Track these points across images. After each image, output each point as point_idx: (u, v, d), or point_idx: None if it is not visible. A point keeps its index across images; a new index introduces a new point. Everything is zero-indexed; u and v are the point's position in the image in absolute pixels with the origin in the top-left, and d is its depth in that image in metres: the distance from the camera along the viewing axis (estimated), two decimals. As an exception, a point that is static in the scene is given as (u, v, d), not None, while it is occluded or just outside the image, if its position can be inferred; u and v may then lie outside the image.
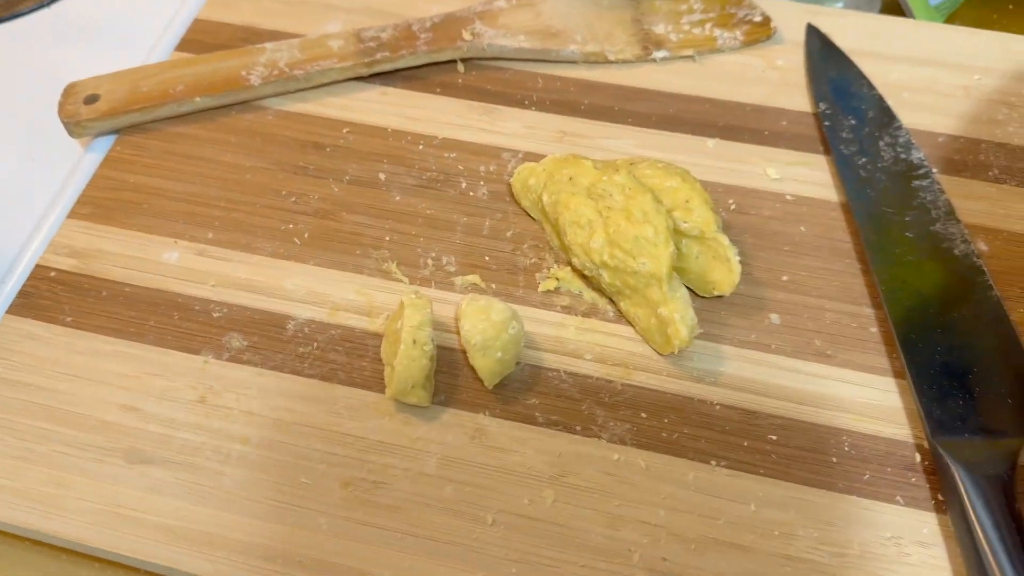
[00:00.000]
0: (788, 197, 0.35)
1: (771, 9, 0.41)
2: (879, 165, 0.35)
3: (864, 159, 0.35)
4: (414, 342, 0.30)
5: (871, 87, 0.37)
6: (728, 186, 0.36)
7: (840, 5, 0.44)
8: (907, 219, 0.33)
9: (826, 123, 0.36)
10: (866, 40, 0.40)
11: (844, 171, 0.35)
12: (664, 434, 0.30)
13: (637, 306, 0.31)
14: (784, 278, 0.33)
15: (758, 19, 0.40)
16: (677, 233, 0.32)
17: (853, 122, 0.36)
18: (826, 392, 0.31)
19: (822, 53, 0.39)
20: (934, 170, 0.35)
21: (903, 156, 0.35)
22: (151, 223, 0.35)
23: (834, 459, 0.29)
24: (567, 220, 0.32)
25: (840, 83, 0.38)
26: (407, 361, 0.30)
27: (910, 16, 0.43)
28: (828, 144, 0.36)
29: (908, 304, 0.31)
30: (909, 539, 0.28)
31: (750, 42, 0.40)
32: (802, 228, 0.34)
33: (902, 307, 0.31)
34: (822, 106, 0.37)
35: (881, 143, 0.36)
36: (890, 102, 0.37)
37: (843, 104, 0.37)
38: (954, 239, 0.33)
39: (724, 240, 0.32)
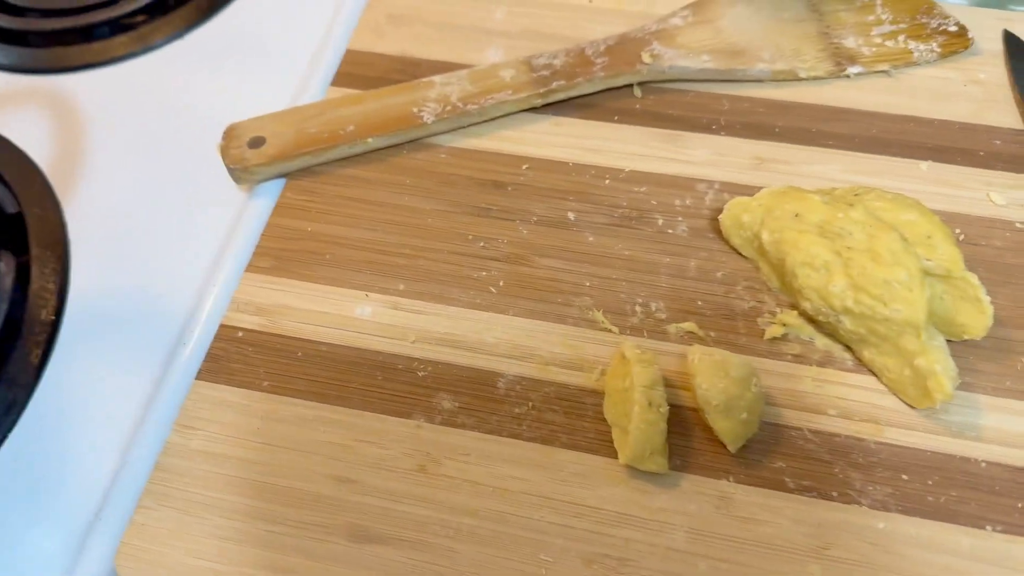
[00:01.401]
0: (1019, 225, 0.33)
1: (962, 17, 0.38)
2: None
3: None
4: (649, 404, 0.28)
5: None
6: (951, 214, 0.33)
7: (1027, 6, 0.41)
8: None
9: None
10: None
11: None
12: (930, 497, 0.27)
13: (886, 355, 0.29)
14: (1028, 316, 0.31)
15: (953, 28, 0.37)
16: (926, 274, 0.29)
17: None
18: (1101, 445, 0.28)
19: None
20: None
21: None
22: (335, 275, 0.33)
23: (1124, 522, 0.27)
24: (797, 261, 0.30)
25: None
26: (644, 425, 0.27)
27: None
28: None
29: None
30: None
31: (947, 54, 0.37)
32: (1043, 259, 0.32)
33: None
34: None
35: None
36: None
37: None
38: None
39: (973, 279, 0.29)
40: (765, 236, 0.31)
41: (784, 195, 0.31)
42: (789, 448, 0.28)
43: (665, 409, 0.28)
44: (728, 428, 0.28)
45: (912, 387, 0.28)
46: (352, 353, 0.31)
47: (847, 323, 0.29)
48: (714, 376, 0.28)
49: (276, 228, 0.34)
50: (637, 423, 0.27)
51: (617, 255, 0.33)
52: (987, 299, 0.29)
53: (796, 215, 0.30)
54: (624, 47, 0.37)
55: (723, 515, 0.27)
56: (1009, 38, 0.37)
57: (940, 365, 0.28)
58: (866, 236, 0.29)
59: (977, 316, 0.29)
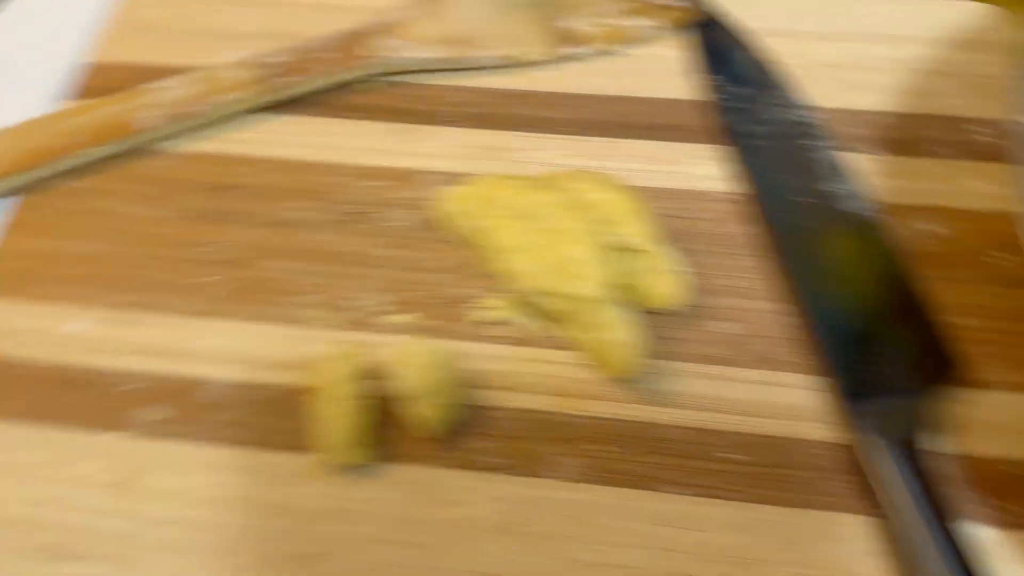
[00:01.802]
0: (721, 196, 0.34)
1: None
2: (770, 134, 0.34)
3: (753, 129, 0.35)
4: (344, 397, 0.28)
5: (765, 64, 0.36)
6: (664, 190, 0.34)
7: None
8: (798, 184, 0.33)
9: (718, 104, 0.35)
10: (783, 18, 0.38)
11: (736, 149, 0.34)
12: (622, 466, 0.28)
13: (580, 330, 0.30)
14: (728, 283, 0.32)
15: (678, 4, 0.38)
16: (614, 250, 0.30)
17: (744, 96, 0.35)
18: (782, 400, 0.29)
19: (715, 33, 0.37)
20: (823, 130, 0.34)
21: (792, 119, 0.35)
22: (56, 291, 0.32)
23: (796, 472, 0.28)
24: (498, 245, 0.30)
25: (733, 63, 0.36)
26: (336, 418, 0.28)
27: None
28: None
29: (807, 274, 0.31)
30: (887, 551, 0.27)
31: (668, 30, 0.38)
32: (739, 227, 0.33)
33: (802, 278, 0.31)
34: (714, 88, 0.36)
35: (770, 109, 0.35)
36: (817, 83, 0.36)
37: (735, 82, 0.36)
38: (845, 197, 0.32)
39: (663, 251, 0.30)
40: (471, 223, 0.31)
41: (487, 182, 0.32)
42: (495, 429, 0.29)
43: (360, 401, 0.28)
44: (429, 414, 0.28)
45: (604, 359, 0.29)
46: (55, 371, 0.30)
47: (544, 302, 0.30)
48: (413, 364, 0.28)
49: (8, 250, 0.33)
50: (329, 416, 0.28)
51: (342, 251, 0.33)
52: (679, 269, 0.30)
53: (495, 201, 0.31)
54: (353, 42, 0.37)
55: (426, 501, 0.28)
56: (709, 9, 0.38)
57: (621, 336, 0.29)
58: (551, 217, 0.30)
59: (671, 287, 0.30)
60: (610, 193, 0.31)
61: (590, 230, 0.29)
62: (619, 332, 0.29)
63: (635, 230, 0.31)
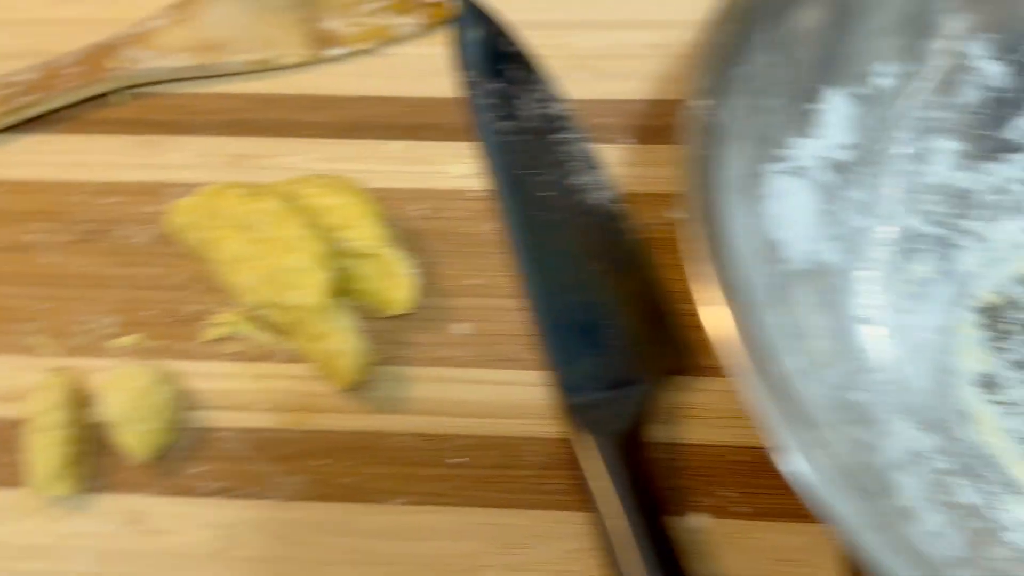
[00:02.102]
0: (474, 194, 0.33)
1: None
2: (518, 128, 0.34)
3: (504, 125, 0.34)
4: (46, 428, 0.27)
5: (524, 57, 0.36)
6: (415, 190, 0.33)
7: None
8: (544, 177, 0.32)
9: (473, 101, 0.35)
10: (543, 9, 0.37)
11: (485, 144, 0.34)
12: (343, 480, 0.27)
13: (306, 342, 0.29)
14: (472, 282, 0.31)
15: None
16: (342, 255, 0.29)
17: (499, 92, 0.35)
18: (514, 400, 0.29)
19: (474, 29, 0.36)
20: (574, 124, 0.34)
21: (544, 113, 0.34)
22: None
23: (522, 472, 0.27)
24: (220, 258, 0.29)
25: (491, 58, 0.36)
26: (41, 449, 0.26)
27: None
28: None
29: (542, 267, 0.30)
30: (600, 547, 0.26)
31: (430, 26, 0.37)
32: (489, 225, 0.32)
33: (535, 271, 0.30)
34: (470, 84, 0.35)
35: (523, 104, 0.34)
36: (575, 74, 0.35)
37: (492, 78, 0.35)
38: (591, 188, 0.32)
39: (393, 255, 0.30)
40: (198, 236, 0.30)
41: (213, 192, 0.30)
42: (213, 451, 0.28)
43: (67, 431, 0.27)
44: (131, 440, 0.27)
45: (330, 369, 0.28)
46: None
47: (269, 315, 0.29)
48: (118, 389, 0.27)
49: None
50: (35, 448, 0.26)
51: (74, 273, 0.32)
52: (410, 272, 0.30)
53: (219, 211, 0.30)
54: (98, 55, 0.36)
55: (134, 531, 0.27)
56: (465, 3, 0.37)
57: (344, 345, 0.28)
58: (273, 225, 0.29)
59: (403, 290, 0.30)
60: (340, 197, 0.30)
61: (311, 236, 0.28)
62: (344, 341, 0.28)
63: (365, 234, 0.30)
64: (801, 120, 0.29)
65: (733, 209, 0.24)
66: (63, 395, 0.27)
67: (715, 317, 0.21)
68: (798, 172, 0.29)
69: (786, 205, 0.29)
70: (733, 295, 0.22)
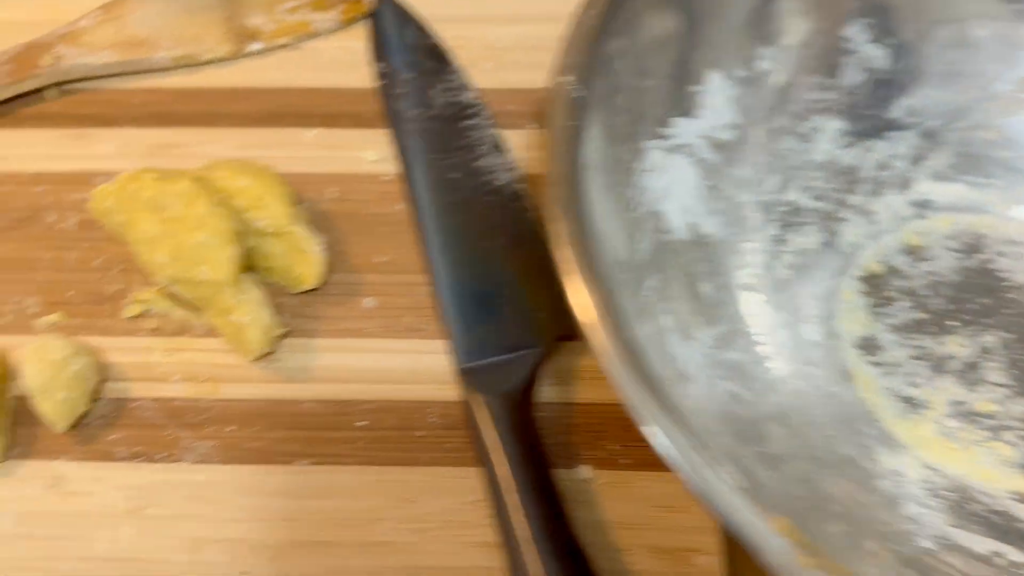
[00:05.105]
0: (385, 177, 0.35)
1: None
2: (430, 116, 0.35)
3: (415, 112, 0.36)
4: (-33, 400, 0.28)
5: (436, 48, 0.38)
6: (329, 175, 0.35)
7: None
8: (452, 161, 0.34)
9: (386, 90, 0.37)
10: (454, 5, 0.39)
11: (397, 130, 0.35)
12: (251, 444, 0.29)
13: (217, 315, 0.31)
14: (380, 260, 0.33)
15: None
16: (252, 233, 0.31)
17: (411, 82, 0.36)
18: (417, 367, 0.30)
19: (388, 21, 0.38)
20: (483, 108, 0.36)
21: (454, 101, 0.36)
22: None
23: (422, 432, 0.29)
24: (135, 238, 0.31)
25: (404, 49, 0.37)
26: (-38, 421, 0.28)
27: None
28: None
29: (445, 243, 0.32)
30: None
31: (348, 21, 0.39)
32: (399, 206, 0.34)
33: (439, 247, 0.32)
34: (384, 74, 0.37)
35: (434, 92, 0.36)
36: (484, 64, 0.37)
37: (405, 68, 0.37)
38: (496, 171, 0.34)
39: (301, 232, 0.31)
40: (116, 219, 0.32)
41: (130, 177, 0.32)
42: (128, 420, 0.30)
43: (-10, 402, 0.28)
44: (49, 409, 0.28)
45: (238, 341, 0.30)
46: None
47: (181, 290, 0.30)
48: (33, 361, 0.29)
49: None
50: (-45, 421, 0.28)
51: (2, 258, 0.33)
52: (317, 249, 0.31)
53: (134, 194, 0.31)
54: (28, 53, 0.37)
55: (53, 494, 0.28)
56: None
57: (250, 317, 0.30)
58: (182, 206, 0.30)
59: (310, 266, 0.31)
60: (250, 179, 0.32)
61: (220, 214, 0.30)
62: (252, 313, 0.30)
63: (274, 213, 0.31)
64: (681, 100, 0.31)
65: (598, 182, 0.26)
66: (-16, 369, 0.29)
67: (576, 292, 0.23)
68: (679, 149, 0.31)
69: (667, 180, 0.31)
70: (593, 268, 0.24)
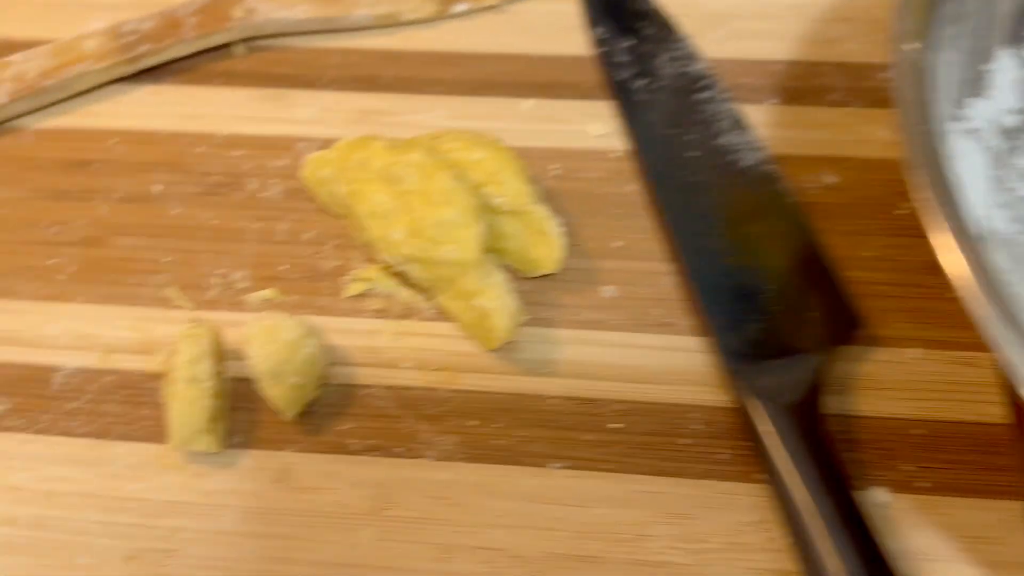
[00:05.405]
0: (613, 154, 0.32)
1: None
2: (658, 87, 0.32)
3: (642, 83, 0.33)
4: (191, 380, 0.26)
5: (657, 15, 0.34)
6: (550, 149, 0.32)
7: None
8: (689, 138, 0.31)
9: (607, 59, 0.33)
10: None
11: (623, 103, 0.32)
12: (496, 441, 0.26)
13: (454, 299, 0.28)
14: (617, 244, 0.30)
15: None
16: (489, 211, 0.28)
17: (634, 50, 0.33)
18: (671, 365, 0.27)
19: None
20: (717, 82, 0.32)
21: (683, 72, 0.33)
22: None
23: (686, 440, 0.26)
24: (364, 211, 0.28)
25: (623, 15, 0.34)
26: (185, 404, 0.25)
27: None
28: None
29: (694, 230, 0.29)
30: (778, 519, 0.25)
31: (561, -16, 0.36)
32: (630, 186, 0.31)
33: (688, 234, 0.29)
34: (603, 42, 0.34)
35: (660, 62, 0.33)
36: (711, 33, 0.34)
37: (625, 35, 0.34)
38: (741, 149, 0.30)
39: (541, 212, 0.28)
40: (341, 189, 0.29)
41: (354, 144, 0.29)
42: (359, 408, 0.27)
43: (211, 384, 0.26)
44: (280, 394, 0.26)
45: (479, 328, 0.27)
46: None
47: (416, 270, 0.28)
48: (263, 341, 0.26)
49: None
50: (178, 402, 0.25)
51: (203, 225, 0.31)
52: (557, 231, 0.28)
53: (362, 163, 0.29)
54: (217, 5, 0.34)
55: (281, 489, 0.26)
56: None
57: (496, 303, 0.27)
58: (421, 178, 0.27)
59: (549, 249, 0.28)
60: (485, 152, 0.29)
61: (462, 190, 0.27)
62: (495, 299, 0.27)
63: (511, 190, 0.28)
64: (976, 80, 0.28)
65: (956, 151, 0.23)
66: (205, 348, 0.26)
67: (954, 264, 0.19)
68: (972, 134, 0.28)
69: (962, 168, 0.27)
70: (968, 239, 0.20)
